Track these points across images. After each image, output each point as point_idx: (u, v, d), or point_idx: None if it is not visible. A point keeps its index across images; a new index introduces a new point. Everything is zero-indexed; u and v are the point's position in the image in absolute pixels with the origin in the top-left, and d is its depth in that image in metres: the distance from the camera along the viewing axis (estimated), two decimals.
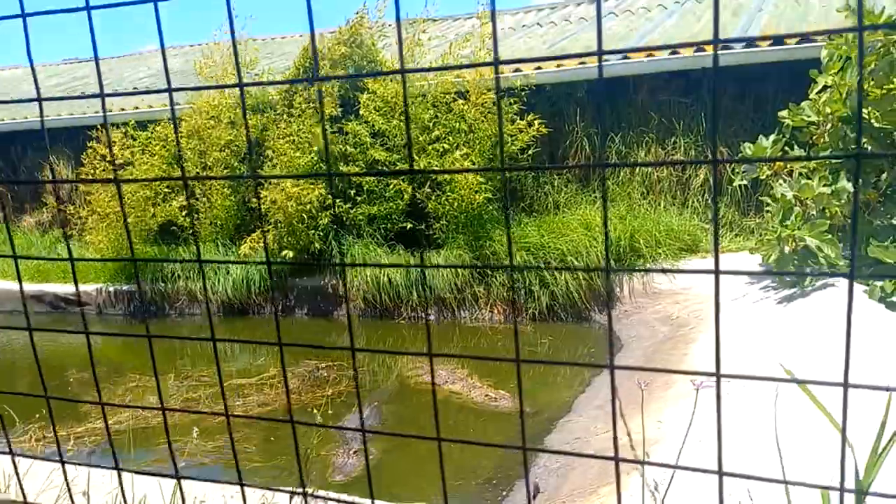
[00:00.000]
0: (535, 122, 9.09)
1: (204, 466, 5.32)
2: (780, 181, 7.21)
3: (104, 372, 7.84)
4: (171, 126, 10.82)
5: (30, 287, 10.97)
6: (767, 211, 7.35)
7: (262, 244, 9.48)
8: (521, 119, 9.20)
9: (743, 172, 7.63)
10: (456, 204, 8.99)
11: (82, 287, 10.75)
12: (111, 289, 10.56)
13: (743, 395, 4.71)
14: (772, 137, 7.44)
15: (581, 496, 4.21)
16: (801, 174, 7.22)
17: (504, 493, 4.69)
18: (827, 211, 6.91)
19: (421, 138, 9.26)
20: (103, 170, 10.62)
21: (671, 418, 4.86)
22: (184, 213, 10.47)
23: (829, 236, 6.54)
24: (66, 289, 10.90)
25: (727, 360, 5.57)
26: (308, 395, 6.59)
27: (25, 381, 8.23)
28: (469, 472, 5.10)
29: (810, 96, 7.41)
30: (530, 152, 9.41)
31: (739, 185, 8.79)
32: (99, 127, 11.13)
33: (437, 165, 9.00)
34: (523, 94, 9.41)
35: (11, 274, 11.74)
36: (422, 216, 9.36)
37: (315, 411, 6.04)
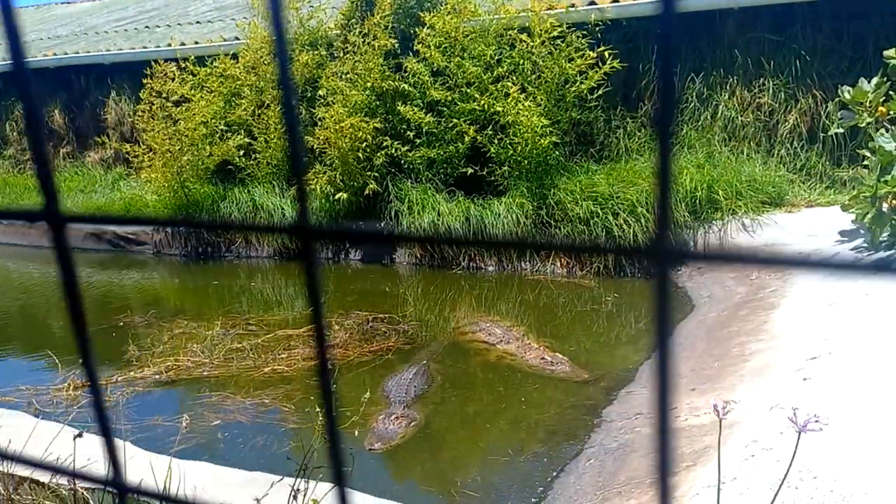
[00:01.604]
0: (608, 57, 8.33)
1: (240, 425, 5.05)
2: (882, 130, 6.43)
3: (154, 314, 7.69)
4: (229, 61, 10.49)
5: (89, 225, 10.96)
6: (865, 165, 6.59)
7: (314, 185, 9.14)
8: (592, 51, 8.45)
9: (840, 119, 6.84)
10: (519, 148, 8.42)
11: (139, 227, 10.67)
12: (169, 229, 10.43)
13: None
14: (874, 80, 6.62)
15: (640, 486, 3.76)
16: None
17: (556, 473, 4.28)
18: None
19: (484, 77, 8.67)
20: (160, 106, 10.37)
21: (746, 398, 4.33)
22: (241, 153, 10.19)
23: None
24: (126, 228, 10.84)
25: (808, 336, 4.98)
26: (355, 349, 6.27)
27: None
28: (521, 442, 4.71)
29: None
30: (601, 92, 8.71)
31: (835, 134, 7.96)
32: (158, 62, 10.85)
33: (499, 107, 8.41)
34: (597, 29, 8.69)
35: (73, 211, 11.76)
36: (483, 161, 8.84)
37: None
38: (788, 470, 1.84)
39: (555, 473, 4.26)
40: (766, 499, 3.22)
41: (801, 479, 3.14)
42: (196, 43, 12.19)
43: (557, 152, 8.74)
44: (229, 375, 5.90)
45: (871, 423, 3.36)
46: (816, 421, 1.72)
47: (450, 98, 8.79)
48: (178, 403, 5.57)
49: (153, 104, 10.38)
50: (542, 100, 8.49)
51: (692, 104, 9.11)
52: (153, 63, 10.72)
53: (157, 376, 5.94)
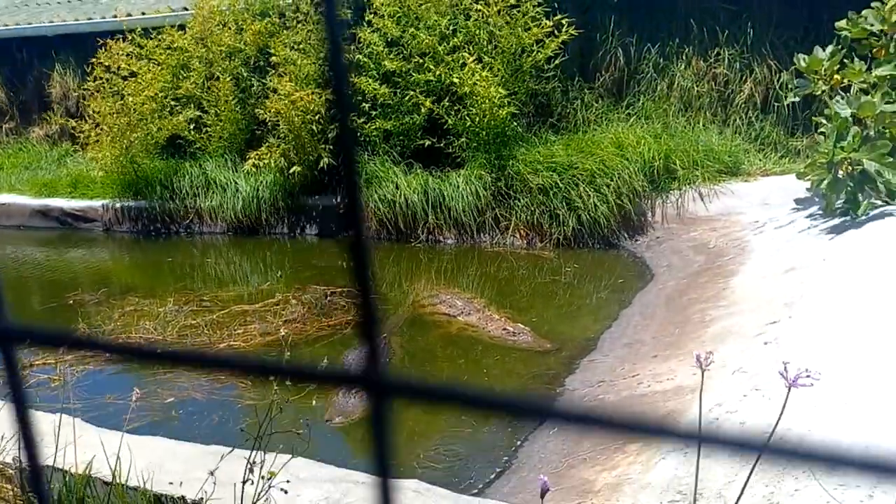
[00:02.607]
0: (565, 25, 8.24)
1: (195, 401, 4.92)
2: (837, 98, 6.47)
3: (105, 292, 7.45)
4: (177, 33, 10.15)
5: (35, 202, 10.59)
6: (821, 132, 6.64)
7: (267, 160, 8.94)
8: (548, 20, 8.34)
9: (795, 88, 6.87)
10: (477, 119, 8.32)
11: (88, 203, 10.33)
12: (118, 205, 10.12)
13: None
14: (829, 48, 6.67)
15: (605, 452, 3.74)
16: (860, 90, 6.48)
17: (519, 442, 4.24)
18: (888, 131, 6.20)
19: (439, 48, 8.53)
20: (107, 80, 10.01)
21: (712, 364, 4.32)
22: (191, 127, 9.90)
23: (891, 159, 5.86)
24: (74, 204, 10.50)
25: (767, 301, 5.01)
26: (313, 324, 6.15)
27: (20, 299, 7.89)
28: (483, 414, 4.65)
29: (872, 4, 6.59)
30: (558, 62, 8.63)
31: (790, 103, 8.02)
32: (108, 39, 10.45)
33: (455, 78, 8.29)
34: None
35: (18, 188, 11.37)
36: (441, 133, 8.71)
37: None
38: (777, 422, 1.79)
39: (519, 443, 4.22)
40: (732, 461, 3.22)
41: (771, 440, 3.13)
42: (143, 14, 11.78)
43: (515, 123, 8.67)
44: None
45: (832, 384, 3.37)
46: (808, 376, 1.67)
47: (405, 69, 8.63)
48: (131, 381, 5.40)
49: (102, 80, 10.00)
50: (499, 70, 8.38)
51: (648, 75, 9.10)
52: (99, 39, 10.31)
53: (108, 354, 5.74)
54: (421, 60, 8.57)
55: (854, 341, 3.81)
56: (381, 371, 0.40)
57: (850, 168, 5.96)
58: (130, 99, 9.78)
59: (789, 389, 1.70)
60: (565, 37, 8.25)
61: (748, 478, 2.15)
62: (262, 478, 2.49)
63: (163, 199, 9.79)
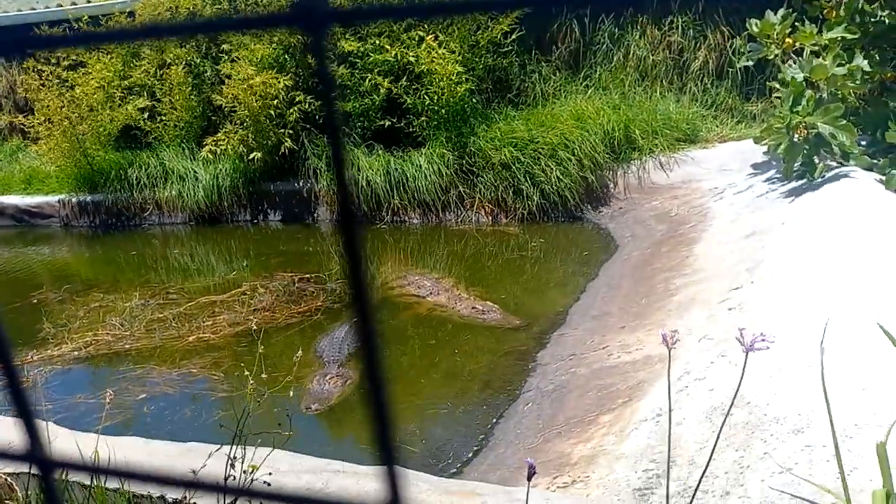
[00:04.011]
0: None
1: (167, 397, 4.89)
2: (790, 62, 6.57)
3: (68, 290, 7.34)
4: (127, 20, 9.93)
5: None
6: (776, 97, 6.73)
7: (225, 146, 8.82)
8: None
9: (749, 53, 6.95)
10: (436, 97, 8.29)
11: (44, 199, 10.12)
12: (75, 200, 9.93)
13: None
14: (780, 12, 6.74)
15: (580, 425, 3.81)
16: (812, 53, 6.58)
17: (495, 419, 4.29)
18: (841, 94, 6.32)
19: (395, 26, 8.46)
20: (51, 73, 9.77)
21: (678, 332, 4.40)
22: (145, 116, 9.72)
23: (844, 122, 5.96)
24: (29, 200, 10.27)
25: (730, 267, 5.11)
26: (283, 311, 6.13)
27: None
28: (457, 393, 4.70)
29: None
30: (514, 36, 8.63)
31: (743, 68, 8.12)
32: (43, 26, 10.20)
33: (412, 55, 8.24)
34: None
35: None
36: (401, 112, 8.67)
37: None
38: (738, 389, 1.84)
39: (494, 420, 4.27)
40: (702, 428, 3.30)
41: (736, 405, 3.21)
42: (88, 1, 11.50)
43: (474, 100, 8.66)
44: (152, 347, 5.69)
45: (796, 347, 3.46)
46: (763, 339, 1.72)
47: (361, 49, 8.55)
48: (101, 379, 5.35)
49: (43, 72, 9.76)
50: (455, 47, 8.35)
51: (604, 45, 9.13)
52: (46, 29, 10.06)
53: (76, 353, 5.68)
54: (377, 41, 8.50)
55: (815, 304, 3.91)
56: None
57: (805, 132, 6.05)
58: (79, 90, 9.57)
59: (747, 354, 1.75)
60: (519, 12, 8.24)
61: (715, 443, 2.21)
62: (245, 472, 2.49)
63: (120, 192, 9.62)
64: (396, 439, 0.46)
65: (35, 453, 0.51)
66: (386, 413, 0.44)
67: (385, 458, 0.44)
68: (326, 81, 0.42)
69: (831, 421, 2.18)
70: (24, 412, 0.51)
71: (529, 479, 1.78)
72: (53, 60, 9.76)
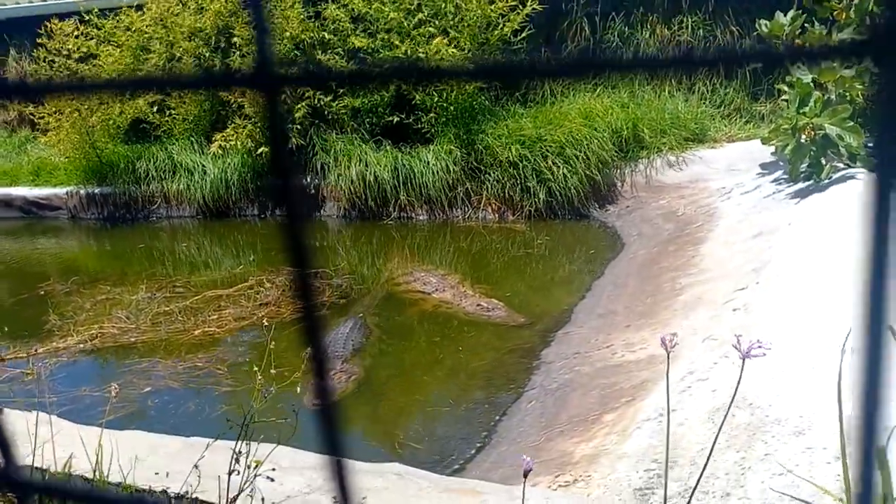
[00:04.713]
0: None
1: (172, 390, 4.91)
2: (799, 63, 6.54)
3: (75, 282, 7.37)
4: (136, 14, 9.96)
5: None
6: (784, 98, 6.71)
7: (234, 141, 8.84)
8: None
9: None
10: (445, 94, 8.29)
11: (52, 190, 10.16)
12: (83, 192, 9.97)
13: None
14: (790, 13, 6.72)
15: (583, 424, 3.81)
16: None
17: (498, 417, 4.29)
18: (849, 95, 6.29)
19: (404, 23, 8.46)
20: (62, 66, 9.81)
21: (680, 331, 4.41)
22: (154, 110, 9.75)
23: (852, 123, 5.95)
24: (37, 192, 10.32)
25: (736, 268, 5.10)
26: (288, 306, 6.14)
27: None
28: (461, 390, 4.71)
29: None
30: (524, 35, 8.62)
31: (752, 69, 8.09)
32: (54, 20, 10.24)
33: (422, 52, 8.24)
34: None
35: None
36: (409, 109, 8.67)
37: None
38: (735, 395, 1.84)
39: (497, 417, 4.28)
40: (704, 428, 3.30)
41: (738, 406, 3.21)
42: None
43: (483, 97, 8.66)
44: (158, 340, 5.71)
45: (800, 348, 3.46)
46: (759, 346, 1.72)
47: (371, 45, 8.56)
48: (106, 372, 5.38)
49: (53, 63, 9.80)
50: (465, 44, 8.35)
51: (614, 44, 9.12)
52: (50, 20, 10.10)
53: (82, 345, 5.71)
54: (387, 36, 8.50)
55: (821, 306, 3.90)
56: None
57: (812, 133, 6.04)
58: (89, 82, 9.59)
59: (744, 361, 1.76)
60: (529, 10, 8.24)
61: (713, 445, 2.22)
62: (248, 467, 2.51)
63: (129, 185, 9.66)
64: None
65: (9, 474, 0.51)
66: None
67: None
68: (276, 139, 0.44)
69: (841, 424, 2.17)
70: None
71: (525, 476, 1.79)
72: (65, 52, 9.80)
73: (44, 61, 9.96)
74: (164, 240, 9.06)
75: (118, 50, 9.84)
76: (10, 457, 0.51)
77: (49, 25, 9.98)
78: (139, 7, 10.06)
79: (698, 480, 2.07)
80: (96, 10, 10.37)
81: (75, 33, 9.93)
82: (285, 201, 0.43)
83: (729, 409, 1.91)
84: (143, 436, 3.25)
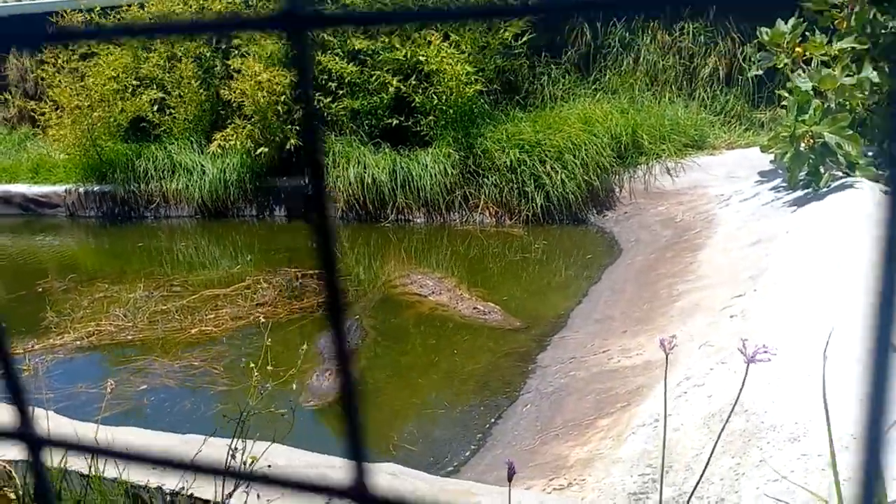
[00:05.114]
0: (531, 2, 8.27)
1: (168, 389, 4.91)
2: (799, 71, 6.56)
3: (73, 279, 7.36)
4: (139, 11, 9.97)
5: None
6: (783, 106, 6.73)
7: (233, 141, 8.85)
8: None
9: (759, 61, 6.94)
10: (444, 97, 8.30)
11: (51, 188, 10.15)
12: (82, 189, 9.97)
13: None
14: (791, 21, 6.73)
15: (577, 428, 3.81)
16: (821, 63, 6.56)
17: (493, 420, 4.29)
18: (848, 104, 6.30)
19: (406, 25, 8.46)
20: (66, 60, 9.82)
21: (677, 337, 4.40)
22: (154, 108, 9.76)
23: (851, 132, 5.96)
24: (37, 189, 10.31)
25: (733, 275, 5.10)
26: (284, 307, 6.14)
27: None
28: (456, 393, 4.71)
29: None
30: (526, 38, 8.64)
31: (753, 76, 8.10)
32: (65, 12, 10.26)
33: (422, 55, 8.25)
34: None
35: None
36: (409, 111, 8.68)
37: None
38: (737, 400, 1.84)
39: (492, 420, 4.28)
40: (699, 434, 3.30)
41: (734, 412, 3.21)
42: None
43: (483, 100, 8.67)
44: (155, 339, 5.71)
45: (795, 356, 3.45)
46: (765, 351, 1.72)
47: (371, 47, 8.57)
48: (102, 369, 5.37)
49: (59, 56, 9.82)
50: (466, 47, 8.36)
51: (615, 49, 9.13)
52: (60, 14, 10.11)
53: (79, 342, 5.70)
54: (387, 39, 8.51)
55: (817, 313, 3.90)
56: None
57: (811, 141, 6.05)
58: (91, 80, 9.61)
59: (748, 366, 1.76)
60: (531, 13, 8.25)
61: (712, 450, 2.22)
62: (244, 464, 2.51)
63: (127, 183, 9.66)
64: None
65: (25, 430, 0.52)
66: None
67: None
68: (306, 85, 0.43)
69: (829, 430, 2.17)
70: (15, 389, 0.52)
71: (510, 479, 1.79)
72: (70, 48, 9.81)
73: (50, 55, 9.94)
74: (162, 239, 9.05)
75: (118, 48, 9.83)
76: (25, 415, 0.52)
77: (64, 16, 10.02)
78: (142, 5, 10.07)
79: (696, 485, 2.06)
80: (97, 7, 10.37)
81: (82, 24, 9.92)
82: (313, 161, 0.43)
83: (731, 413, 1.91)
84: (138, 432, 3.24)
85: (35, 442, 0.53)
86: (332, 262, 0.43)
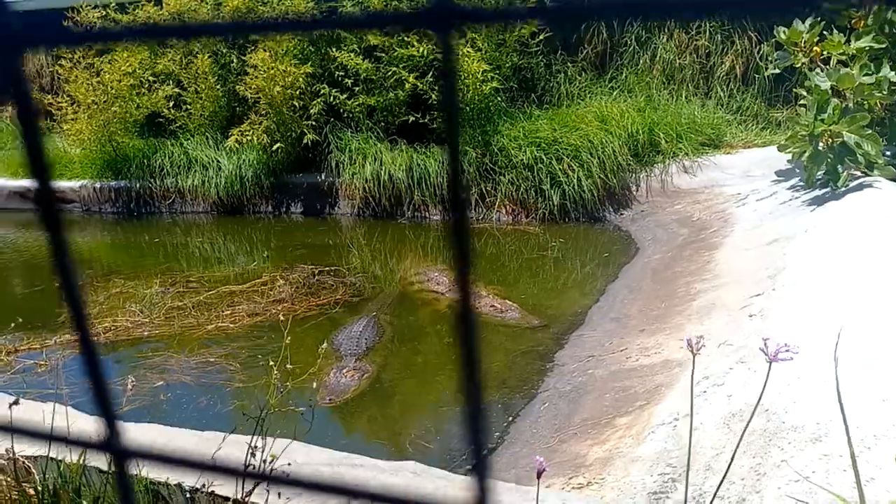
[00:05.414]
0: (548, 1, 8.25)
1: (184, 385, 4.93)
2: (817, 70, 6.52)
3: (89, 275, 7.41)
4: (153, 8, 10.01)
5: (12, 183, 10.44)
6: (802, 105, 6.69)
7: (250, 136, 8.88)
8: None
9: (776, 60, 6.90)
10: (461, 95, 8.29)
11: (66, 183, 10.21)
12: (97, 185, 10.02)
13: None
14: (808, 20, 6.68)
15: (596, 427, 3.80)
16: (839, 62, 6.52)
17: (511, 418, 4.29)
18: (867, 103, 6.26)
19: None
20: (83, 56, 9.88)
21: (695, 336, 4.39)
22: (171, 104, 9.80)
23: (870, 131, 5.93)
24: (55, 185, 10.33)
25: (751, 273, 5.08)
26: (302, 303, 6.16)
27: (3, 284, 7.84)
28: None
29: None
30: (541, 37, 8.63)
31: (770, 75, 8.06)
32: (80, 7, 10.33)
33: (438, 53, 8.23)
34: None
35: None
36: (425, 108, 8.68)
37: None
38: (760, 398, 1.84)
39: (510, 419, 4.27)
40: (719, 433, 3.29)
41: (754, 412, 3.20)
42: None
43: (499, 98, 8.66)
44: (171, 335, 5.74)
45: (816, 356, 3.44)
46: (787, 350, 1.71)
47: (387, 43, 8.57)
48: (119, 365, 5.40)
49: (75, 52, 9.87)
50: (482, 45, 8.35)
51: (631, 47, 9.11)
52: (76, 8, 10.18)
53: (95, 338, 5.71)
54: (404, 36, 8.51)
55: (836, 312, 3.88)
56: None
57: (830, 140, 6.02)
58: (107, 76, 9.66)
59: (770, 365, 1.75)
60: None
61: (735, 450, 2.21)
62: (264, 462, 2.51)
63: (143, 179, 9.70)
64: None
65: (111, 442, 0.53)
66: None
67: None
68: (449, 78, 0.42)
69: (847, 430, 2.16)
70: (104, 401, 0.53)
71: (539, 477, 1.79)
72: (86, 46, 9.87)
73: (65, 54, 10.01)
74: (177, 235, 9.09)
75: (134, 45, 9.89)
76: (113, 427, 0.53)
77: (81, 11, 10.09)
78: (158, 1, 10.11)
79: (719, 484, 2.06)
80: (113, 3, 10.42)
81: (97, 23, 9.99)
82: (453, 163, 0.42)
83: (754, 412, 1.91)
84: (158, 429, 3.26)
85: (121, 454, 0.53)
86: (465, 257, 0.43)
